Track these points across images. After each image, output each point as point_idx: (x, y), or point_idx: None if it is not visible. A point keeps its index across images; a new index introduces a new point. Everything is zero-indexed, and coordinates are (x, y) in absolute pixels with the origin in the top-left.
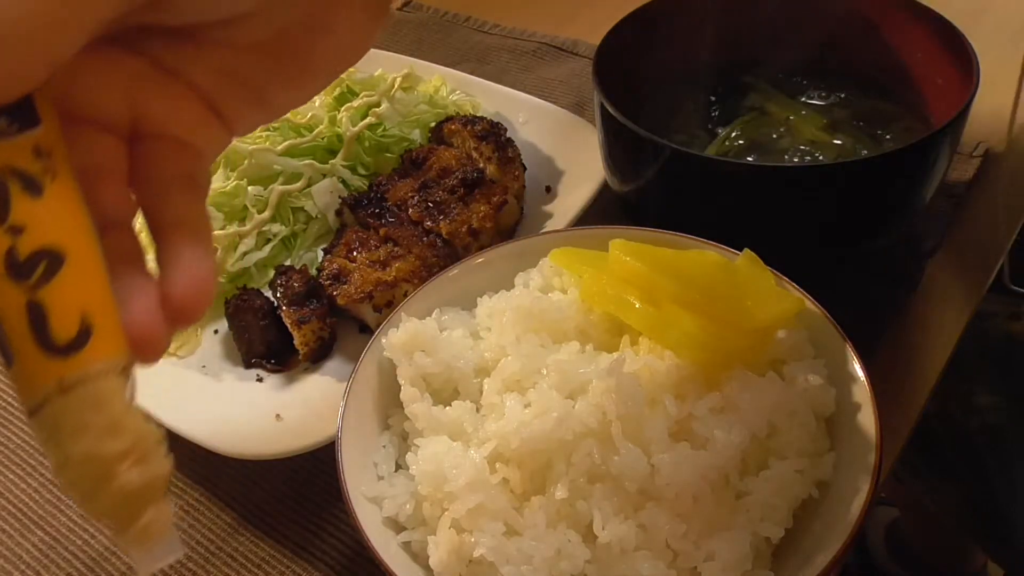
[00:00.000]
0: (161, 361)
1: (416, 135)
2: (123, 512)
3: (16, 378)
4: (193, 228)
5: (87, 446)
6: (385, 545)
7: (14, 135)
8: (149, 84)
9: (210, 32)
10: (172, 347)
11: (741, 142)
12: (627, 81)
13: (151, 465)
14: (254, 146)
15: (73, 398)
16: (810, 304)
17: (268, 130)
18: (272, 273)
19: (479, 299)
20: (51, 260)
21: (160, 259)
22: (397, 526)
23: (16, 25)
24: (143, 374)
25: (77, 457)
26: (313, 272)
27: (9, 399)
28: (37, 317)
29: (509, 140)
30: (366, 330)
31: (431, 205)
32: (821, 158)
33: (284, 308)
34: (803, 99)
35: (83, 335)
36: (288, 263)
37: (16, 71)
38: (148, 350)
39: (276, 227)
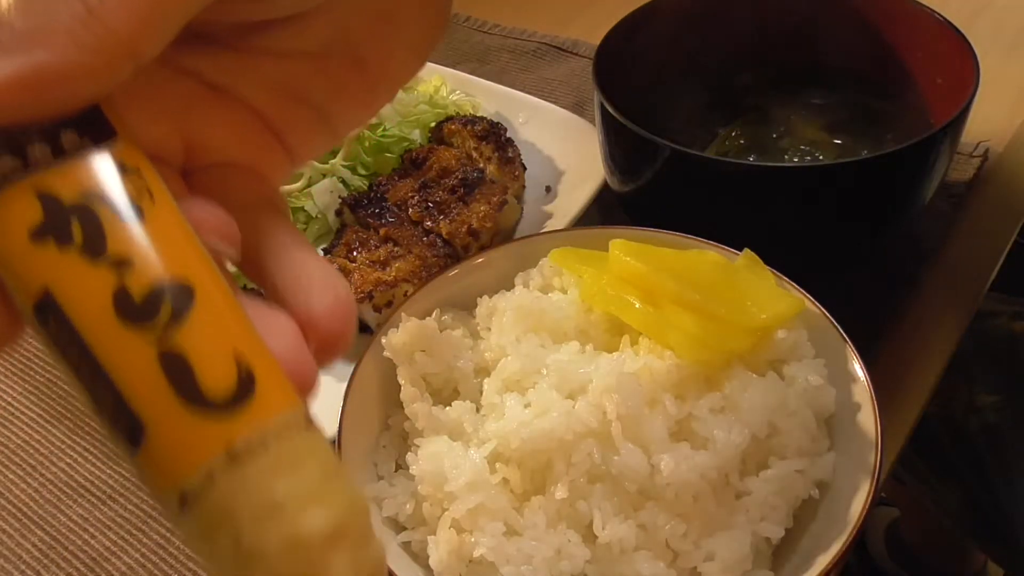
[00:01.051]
0: None
1: (416, 135)
2: None
3: (151, 459)
4: (307, 246)
5: (285, 531)
6: (385, 545)
7: (88, 151)
8: (201, 106)
9: (263, 39)
10: None
11: (741, 142)
12: (627, 81)
13: (369, 550)
14: None
15: (252, 468)
16: (810, 304)
17: None
18: None
19: (479, 299)
20: (177, 295)
21: (282, 287)
22: (397, 526)
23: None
24: None
25: (272, 549)
26: None
27: (9, 399)
28: (176, 369)
29: (509, 140)
30: (366, 330)
31: (431, 205)
32: (821, 158)
33: None
34: (803, 99)
35: (246, 383)
36: None
37: (94, 64)
38: (304, 394)
39: None
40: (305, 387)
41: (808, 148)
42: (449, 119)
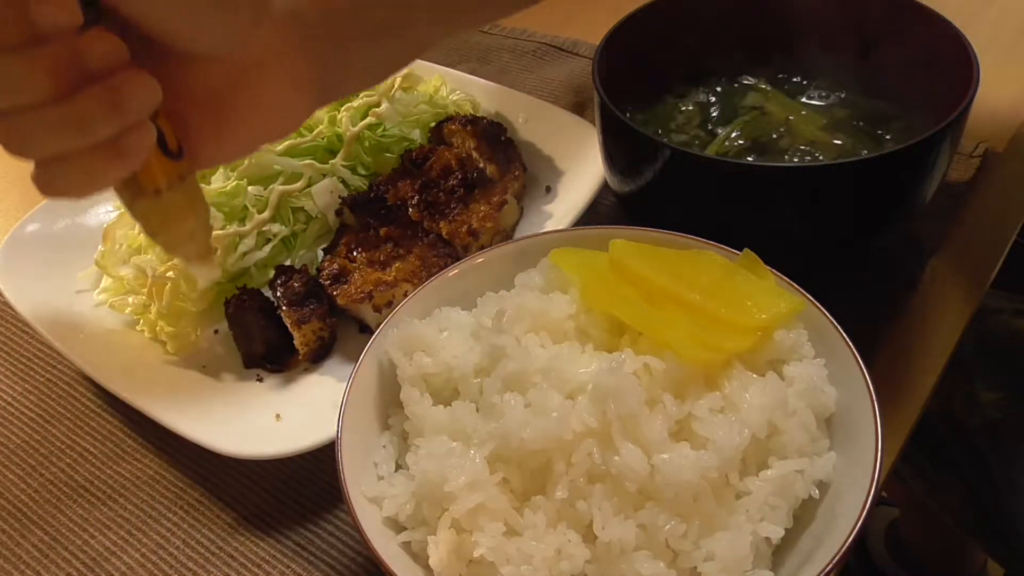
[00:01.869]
0: (161, 361)
1: (416, 135)
2: (191, 251)
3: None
4: None
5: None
6: (385, 545)
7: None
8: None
9: (179, 65)
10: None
11: (741, 142)
12: (627, 81)
13: (205, 228)
14: None
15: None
16: (810, 304)
17: None
18: (272, 273)
19: (479, 299)
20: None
21: None
22: (397, 526)
23: None
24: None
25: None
26: (313, 272)
27: (9, 399)
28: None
29: (509, 140)
30: (366, 330)
31: (431, 205)
32: (821, 158)
33: (284, 308)
34: (803, 99)
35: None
36: (288, 263)
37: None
38: None
39: (276, 227)
40: None
41: (808, 148)
42: (449, 119)
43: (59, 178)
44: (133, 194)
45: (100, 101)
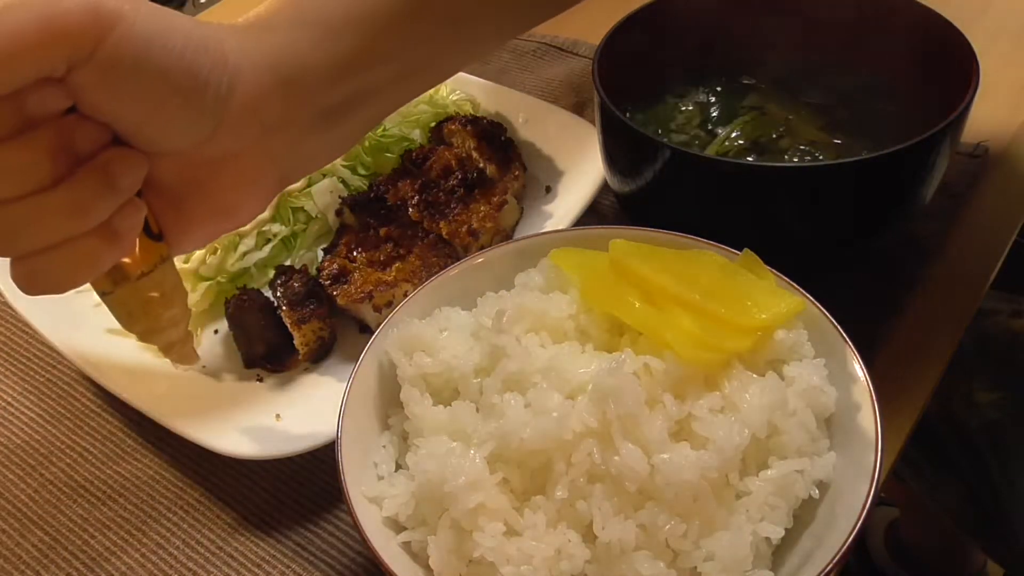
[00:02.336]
0: (161, 361)
1: (416, 135)
2: (172, 337)
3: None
4: None
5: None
6: (385, 545)
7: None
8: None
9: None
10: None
11: (741, 142)
12: (627, 81)
13: (185, 311)
14: None
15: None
16: (810, 304)
17: None
18: (272, 273)
19: (479, 299)
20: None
21: None
22: (397, 526)
23: None
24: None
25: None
26: (313, 272)
27: (9, 399)
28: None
29: (509, 140)
30: (366, 330)
31: (431, 205)
32: (821, 158)
33: (284, 308)
34: (803, 99)
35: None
36: (288, 263)
37: None
38: None
39: (276, 227)
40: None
41: (808, 148)
42: (449, 119)
43: (48, 271)
44: (115, 281)
45: (96, 180)
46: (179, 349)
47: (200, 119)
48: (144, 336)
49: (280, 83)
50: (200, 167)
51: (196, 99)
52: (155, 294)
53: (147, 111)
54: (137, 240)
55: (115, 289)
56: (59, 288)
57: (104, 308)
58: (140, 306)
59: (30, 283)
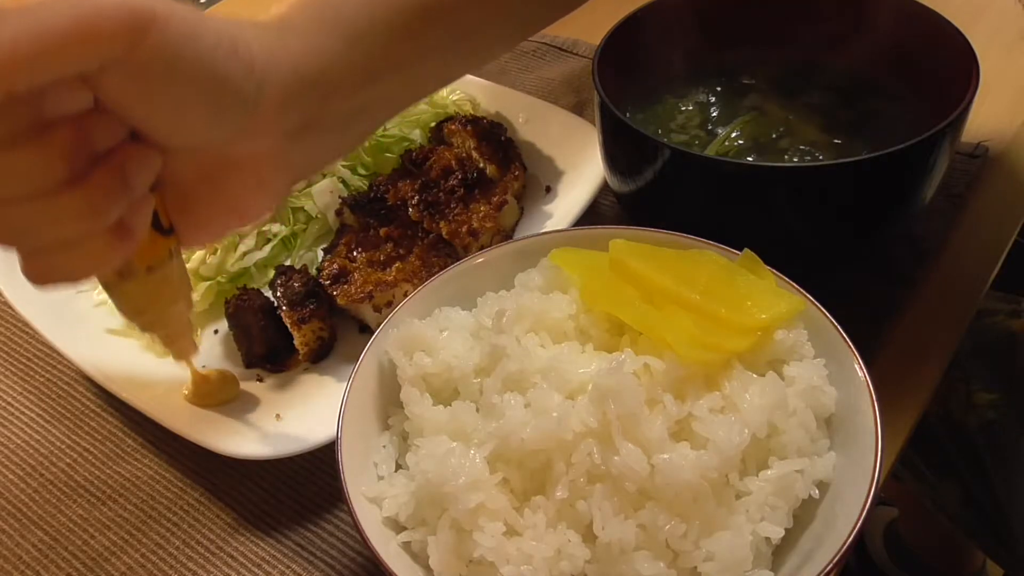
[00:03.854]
0: (161, 361)
1: (416, 135)
2: (174, 330)
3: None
4: None
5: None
6: (385, 545)
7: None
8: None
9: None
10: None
11: (741, 142)
12: (627, 81)
13: (190, 304)
14: None
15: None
16: (810, 304)
17: None
18: (272, 273)
19: (479, 299)
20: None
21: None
22: (397, 526)
23: None
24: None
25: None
26: (313, 272)
27: (9, 399)
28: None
29: (509, 140)
30: (366, 330)
31: (431, 205)
32: (821, 158)
33: (284, 308)
34: (803, 99)
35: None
36: (288, 263)
37: None
38: None
39: (276, 227)
40: None
41: (808, 148)
42: (449, 119)
43: (60, 266)
44: (122, 275)
45: (112, 180)
46: (181, 341)
47: (225, 122)
48: (145, 327)
49: (304, 88)
50: (216, 165)
51: (224, 103)
52: (162, 287)
53: (174, 113)
54: (147, 234)
55: (122, 281)
56: (68, 281)
57: (104, 309)
58: (146, 298)
59: (39, 277)
